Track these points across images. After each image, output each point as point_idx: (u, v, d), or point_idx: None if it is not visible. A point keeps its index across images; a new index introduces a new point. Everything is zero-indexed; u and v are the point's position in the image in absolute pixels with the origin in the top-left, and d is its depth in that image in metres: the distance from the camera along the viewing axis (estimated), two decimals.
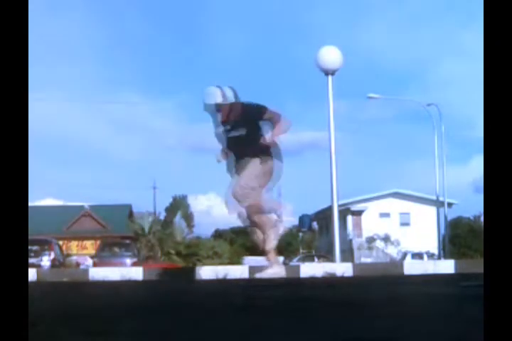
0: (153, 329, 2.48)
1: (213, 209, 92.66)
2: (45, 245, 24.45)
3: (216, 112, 6.99)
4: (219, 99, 6.96)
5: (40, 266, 20.59)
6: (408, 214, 55.04)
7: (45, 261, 23.25)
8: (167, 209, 66.43)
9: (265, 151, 7.01)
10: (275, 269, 7.06)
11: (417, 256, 43.79)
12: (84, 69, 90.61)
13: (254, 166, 6.96)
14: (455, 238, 47.23)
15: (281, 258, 43.12)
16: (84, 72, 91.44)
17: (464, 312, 2.92)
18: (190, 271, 10.09)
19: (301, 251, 53.04)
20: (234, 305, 3.57)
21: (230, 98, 7.00)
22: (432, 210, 46.09)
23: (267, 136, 6.99)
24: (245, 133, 6.96)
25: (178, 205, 67.11)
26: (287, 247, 61.59)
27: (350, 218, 53.94)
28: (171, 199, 71.58)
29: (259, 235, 7.13)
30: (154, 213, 54.64)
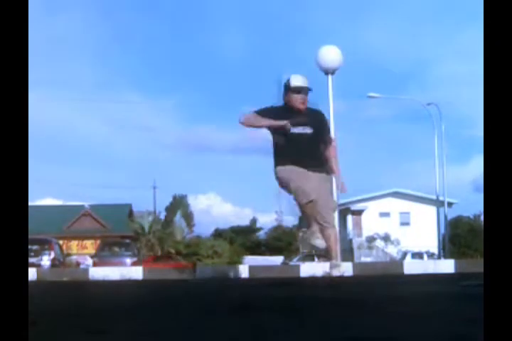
0: (152, 329, 2.48)
1: (213, 209, 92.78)
2: (45, 244, 24.46)
3: (296, 94, 6.87)
4: (305, 84, 6.91)
5: (40, 266, 20.59)
6: (408, 213, 55.05)
7: (45, 261, 23.25)
8: (167, 209, 66.44)
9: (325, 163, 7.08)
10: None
11: (417, 255, 43.79)
12: (83, 68, 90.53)
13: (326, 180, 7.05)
14: (455, 237, 47.24)
15: (281, 258, 43.15)
16: (84, 72, 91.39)
17: (464, 311, 2.93)
18: (190, 270, 10.09)
19: (301, 250, 53.04)
20: (234, 304, 3.57)
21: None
22: (431, 210, 46.09)
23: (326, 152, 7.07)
24: (313, 132, 6.91)
25: (178, 205, 67.09)
26: (287, 247, 61.58)
27: (350, 217, 53.97)
28: (171, 199, 71.57)
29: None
30: (154, 212, 54.67)
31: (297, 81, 6.88)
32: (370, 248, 50.26)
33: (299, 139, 6.87)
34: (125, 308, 3.47)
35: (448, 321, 2.53)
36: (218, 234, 65.32)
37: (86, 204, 56.47)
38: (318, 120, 7.02)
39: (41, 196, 68.68)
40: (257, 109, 7.04)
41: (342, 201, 33.67)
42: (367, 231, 51.87)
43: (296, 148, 6.90)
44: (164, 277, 9.54)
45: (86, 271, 10.64)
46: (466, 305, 3.21)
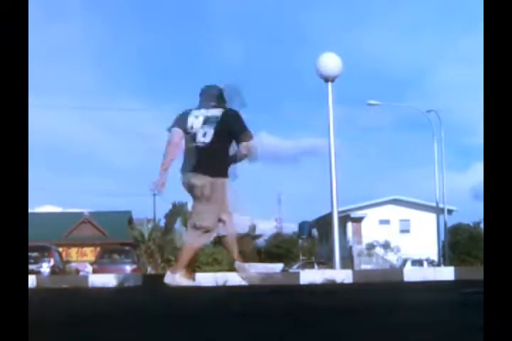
0: (150, 337, 2.47)
1: None
2: (44, 252, 24.43)
3: (212, 98, 6.84)
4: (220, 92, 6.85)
5: (39, 273, 20.56)
6: (408, 220, 55.00)
7: (45, 268, 23.22)
8: (167, 216, 66.41)
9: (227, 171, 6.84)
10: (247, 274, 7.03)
11: (417, 262, 43.73)
12: (84, 76, 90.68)
13: (229, 189, 6.82)
14: (455, 245, 47.20)
15: (280, 265, 43.07)
16: (84, 80, 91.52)
17: (465, 319, 2.92)
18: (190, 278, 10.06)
19: (300, 257, 53.01)
20: (233, 311, 3.57)
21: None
22: (431, 217, 46.07)
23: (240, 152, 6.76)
24: (217, 140, 6.67)
25: (178, 212, 67.04)
26: (287, 254, 61.46)
27: (350, 225, 53.92)
28: (170, 206, 71.53)
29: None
30: (154, 220, 54.63)
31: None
32: (369, 255, 50.18)
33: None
34: (123, 316, 3.47)
35: (449, 328, 2.53)
36: (218, 241, 65.26)
37: (86, 211, 56.42)
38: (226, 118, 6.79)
39: (41, 203, 68.65)
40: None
41: (342, 208, 33.64)
42: (367, 238, 51.82)
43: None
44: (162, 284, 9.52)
45: (85, 278, 10.61)
46: (468, 313, 3.21)
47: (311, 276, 9.74)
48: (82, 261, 45.86)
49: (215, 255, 39.49)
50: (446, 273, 10.01)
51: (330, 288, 7.03)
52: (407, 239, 51.68)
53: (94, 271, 27.20)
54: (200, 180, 6.61)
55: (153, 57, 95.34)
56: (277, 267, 40.36)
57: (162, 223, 59.58)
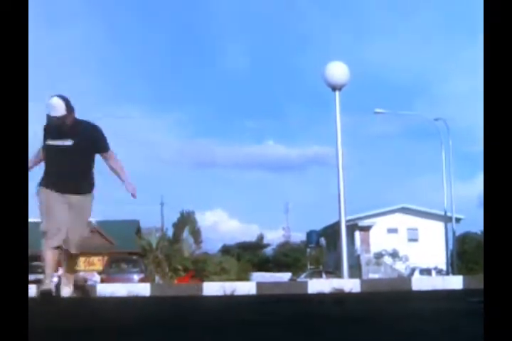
0: None
1: (220, 225, 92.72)
2: None
3: (57, 126, 6.49)
4: (62, 112, 6.52)
5: None
6: (416, 229, 54.86)
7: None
8: (174, 225, 66.41)
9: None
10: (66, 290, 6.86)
11: (425, 271, 43.58)
12: (84, 83, 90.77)
13: (90, 204, 6.82)
14: (463, 253, 47.04)
15: (288, 274, 43.00)
16: (85, 87, 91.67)
17: (471, 328, 2.91)
18: (198, 287, 10.06)
19: (308, 266, 52.91)
20: (242, 321, 3.56)
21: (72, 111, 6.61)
22: (439, 225, 45.92)
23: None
24: (80, 158, 6.59)
25: (186, 221, 67.07)
26: (295, 263, 61.39)
27: (358, 234, 53.83)
28: (178, 215, 71.53)
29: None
30: (162, 229, 54.60)
31: (53, 111, 6.53)
32: (378, 264, 50.06)
33: (58, 153, 6.52)
34: (132, 325, 3.47)
35: (457, 338, 2.52)
36: (226, 250, 65.24)
37: (93, 220, 56.40)
38: (84, 131, 6.62)
39: None
40: None
41: (350, 217, 33.59)
42: (375, 247, 51.71)
43: (55, 163, 6.54)
44: (172, 294, 9.52)
45: (93, 287, 10.61)
46: (474, 322, 3.20)
47: (319, 285, 9.71)
48: (89, 270, 45.81)
49: (223, 264, 39.48)
50: (455, 282, 9.97)
51: (338, 298, 7.01)
52: (415, 248, 51.55)
53: (102, 281, 27.22)
54: None
55: (154, 64, 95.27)
56: (285, 276, 40.32)
57: (170, 232, 59.55)
